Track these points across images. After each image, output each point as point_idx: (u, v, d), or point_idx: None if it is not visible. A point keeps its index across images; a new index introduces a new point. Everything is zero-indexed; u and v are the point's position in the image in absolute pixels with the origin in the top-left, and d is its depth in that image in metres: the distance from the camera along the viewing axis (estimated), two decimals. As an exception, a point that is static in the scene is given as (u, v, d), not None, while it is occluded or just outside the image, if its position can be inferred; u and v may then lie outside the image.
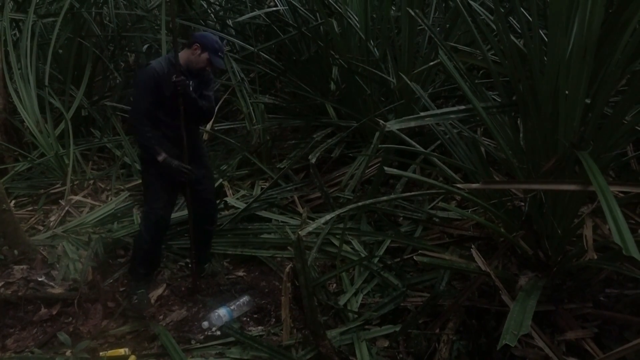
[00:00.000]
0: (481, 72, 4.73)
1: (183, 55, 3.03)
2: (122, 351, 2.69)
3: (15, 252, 3.43)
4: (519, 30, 3.28)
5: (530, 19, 2.44)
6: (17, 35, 5.69)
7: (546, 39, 2.43)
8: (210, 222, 3.33)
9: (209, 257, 3.45)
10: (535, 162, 2.46)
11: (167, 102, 2.95)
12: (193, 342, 2.82)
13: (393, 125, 2.45)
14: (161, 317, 3.06)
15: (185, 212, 3.32)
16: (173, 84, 2.90)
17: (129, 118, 3.06)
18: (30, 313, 3.07)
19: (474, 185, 2.17)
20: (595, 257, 2.05)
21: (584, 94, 2.17)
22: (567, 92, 2.18)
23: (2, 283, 3.21)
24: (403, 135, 2.98)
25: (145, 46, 6.83)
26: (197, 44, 2.98)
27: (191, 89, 2.99)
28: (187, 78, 2.97)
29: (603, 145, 2.25)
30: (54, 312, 3.07)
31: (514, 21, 3.55)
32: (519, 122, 2.91)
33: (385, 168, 2.51)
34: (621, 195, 2.44)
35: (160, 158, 2.95)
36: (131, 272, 3.20)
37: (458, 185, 2.25)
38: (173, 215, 3.88)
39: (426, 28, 3.33)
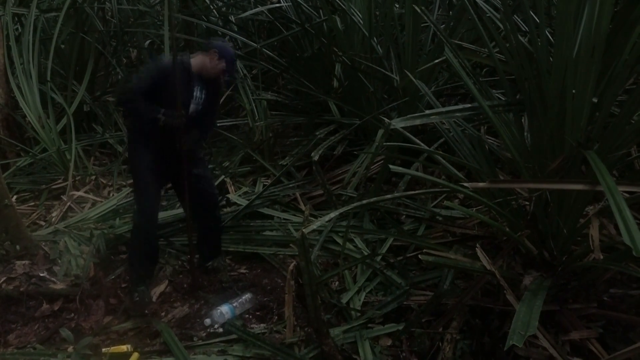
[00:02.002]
0: (485, 70, 4.72)
1: (198, 58, 3.02)
2: (124, 348, 2.68)
3: (17, 247, 3.43)
4: (525, 29, 3.27)
5: (537, 18, 2.43)
6: (20, 29, 5.67)
7: (552, 39, 2.42)
8: (213, 219, 3.31)
9: (216, 254, 3.44)
10: (541, 161, 2.44)
11: (166, 98, 2.92)
12: (195, 339, 2.81)
13: (398, 123, 2.43)
14: (163, 313, 3.05)
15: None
16: (171, 116, 2.88)
17: (123, 93, 3.03)
18: (32, 309, 3.06)
19: (480, 184, 2.16)
20: (602, 257, 2.04)
21: (591, 93, 2.16)
22: (574, 91, 2.16)
23: (4, 278, 3.21)
24: (407, 133, 2.97)
25: (148, 42, 6.81)
26: (216, 51, 2.96)
27: (198, 94, 3.01)
28: (196, 83, 2.99)
29: (610, 144, 2.24)
30: (56, 308, 3.07)
31: (519, 19, 3.53)
32: (523, 120, 2.90)
33: (390, 166, 2.50)
34: (626, 195, 2.43)
35: (161, 114, 2.89)
36: (129, 270, 3.19)
37: (464, 184, 2.23)
38: (175, 212, 3.89)
39: (431, 25, 3.31)
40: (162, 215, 3.54)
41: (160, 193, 3.28)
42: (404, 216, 3.71)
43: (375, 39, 4.52)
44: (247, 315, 3.00)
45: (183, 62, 2.97)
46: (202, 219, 3.25)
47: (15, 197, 4.40)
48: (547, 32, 2.43)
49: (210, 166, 4.57)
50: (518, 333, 1.79)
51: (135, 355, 2.57)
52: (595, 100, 2.19)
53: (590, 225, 2.16)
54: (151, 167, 3.03)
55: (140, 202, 3.07)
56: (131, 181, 4.61)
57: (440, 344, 2.49)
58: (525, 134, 2.71)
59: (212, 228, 3.36)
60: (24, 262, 3.36)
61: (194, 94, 3.03)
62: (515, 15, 3.52)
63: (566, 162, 2.23)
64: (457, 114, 2.63)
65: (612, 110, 2.46)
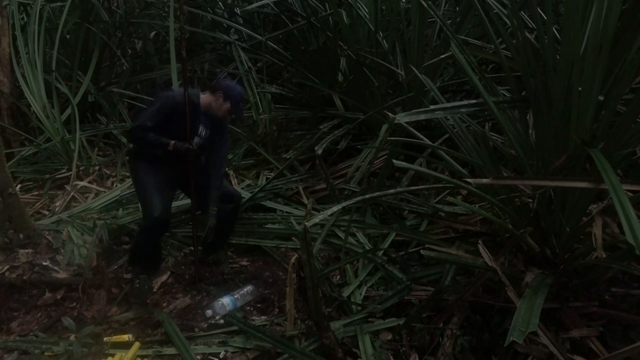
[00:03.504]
0: (490, 66, 4.70)
1: (205, 99, 3.06)
2: (125, 337, 2.70)
3: (21, 236, 3.44)
4: (531, 25, 3.25)
5: (544, 15, 2.42)
6: (25, 19, 5.67)
7: (559, 35, 2.40)
8: (233, 216, 3.34)
9: (221, 247, 3.44)
10: (545, 159, 2.44)
11: (175, 130, 2.97)
12: (196, 330, 2.82)
13: (402, 118, 2.43)
14: (165, 304, 3.06)
15: (188, 200, 3.30)
16: (184, 150, 2.95)
17: (134, 128, 3.04)
18: (34, 297, 3.08)
19: (484, 180, 2.15)
20: (604, 255, 2.03)
21: (597, 91, 2.14)
22: (580, 88, 2.15)
23: (7, 267, 3.22)
24: (411, 129, 2.97)
25: (153, 33, 6.80)
26: (221, 93, 3.00)
27: (202, 131, 3.05)
28: (202, 120, 3.03)
29: (615, 143, 2.23)
30: (59, 297, 3.08)
31: (525, 15, 3.51)
32: (528, 117, 2.89)
33: (394, 161, 2.49)
34: (629, 194, 2.42)
35: (170, 146, 2.96)
36: (131, 261, 3.19)
37: (467, 180, 2.23)
38: (178, 204, 3.89)
39: (438, 20, 3.30)
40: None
41: (172, 194, 3.25)
42: (407, 211, 3.72)
43: (381, 33, 4.51)
44: (248, 307, 3.02)
45: (192, 97, 2.98)
46: (223, 217, 3.23)
47: (19, 186, 4.41)
48: (554, 29, 2.41)
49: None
50: (518, 329, 1.79)
51: (137, 344, 2.58)
52: (601, 98, 2.18)
53: (593, 224, 2.16)
54: (156, 179, 3.04)
55: (149, 213, 2.98)
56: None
57: (441, 339, 2.49)
58: (530, 131, 2.70)
59: (229, 224, 3.36)
60: (27, 250, 3.38)
61: (199, 130, 3.07)
62: (522, 12, 3.51)
63: (570, 159, 2.22)
64: (462, 110, 2.62)
65: (618, 109, 2.45)
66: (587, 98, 2.15)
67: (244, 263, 3.48)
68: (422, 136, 2.97)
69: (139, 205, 3.24)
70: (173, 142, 2.97)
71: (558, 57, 2.30)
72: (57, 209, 4.00)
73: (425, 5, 3.12)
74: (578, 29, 2.12)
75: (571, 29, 2.12)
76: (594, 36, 2.06)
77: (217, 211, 3.12)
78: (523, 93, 2.62)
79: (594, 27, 2.07)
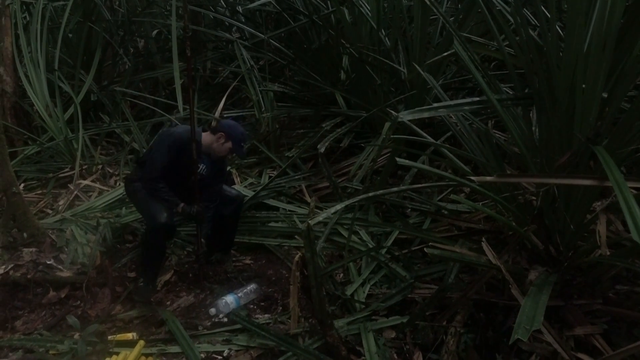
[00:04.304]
0: (493, 64, 4.69)
1: (206, 138, 3.09)
2: (130, 335, 2.71)
3: (25, 234, 3.45)
4: (534, 22, 3.24)
5: (547, 12, 2.40)
6: (28, 18, 5.67)
7: (562, 33, 2.40)
8: (236, 216, 3.38)
9: (228, 248, 3.46)
10: (548, 156, 2.43)
11: (182, 169, 3.01)
12: (200, 328, 2.83)
13: (406, 116, 2.42)
14: (168, 302, 3.07)
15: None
16: (193, 214, 3.03)
17: (146, 173, 3.05)
18: (39, 296, 3.09)
19: (488, 178, 2.15)
20: (608, 253, 2.03)
21: (601, 88, 2.14)
22: (584, 85, 2.14)
23: (12, 265, 3.23)
24: (414, 126, 2.96)
25: (155, 31, 6.80)
26: (223, 133, 3.03)
27: (202, 169, 3.09)
28: (203, 159, 3.08)
29: (619, 140, 2.22)
30: (63, 296, 3.09)
31: (528, 13, 3.49)
32: (532, 115, 2.88)
33: (397, 159, 2.49)
34: (634, 191, 2.41)
35: (179, 208, 3.02)
36: (143, 273, 3.15)
37: (471, 178, 2.22)
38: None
39: (440, 17, 3.29)
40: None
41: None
42: (410, 209, 3.72)
43: (383, 31, 4.50)
44: (251, 306, 3.02)
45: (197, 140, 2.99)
46: (225, 218, 3.29)
47: (22, 185, 4.42)
48: (557, 27, 2.40)
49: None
50: (523, 327, 1.79)
51: (141, 343, 2.59)
52: (605, 95, 2.17)
53: (597, 221, 2.15)
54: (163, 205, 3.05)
55: (155, 222, 2.97)
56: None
57: (444, 337, 2.50)
58: (534, 128, 2.70)
59: (232, 226, 3.39)
60: (31, 249, 3.39)
61: (200, 168, 3.08)
62: (525, 9, 3.50)
63: (574, 157, 2.21)
64: (466, 108, 2.61)
65: (622, 106, 2.44)
66: (591, 95, 2.14)
67: (247, 261, 3.48)
68: (425, 134, 2.97)
69: (144, 219, 3.26)
70: (182, 204, 3.01)
71: (562, 54, 2.29)
72: (60, 208, 4.01)
73: (428, 2, 3.11)
74: (582, 26, 2.11)
75: (575, 26, 2.11)
76: (597, 33, 2.05)
77: (214, 212, 3.20)
78: (526, 90, 2.61)
79: (597, 23, 2.06)
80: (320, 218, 2.41)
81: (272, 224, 3.74)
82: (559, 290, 2.45)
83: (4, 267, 3.21)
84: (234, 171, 4.44)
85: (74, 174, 4.48)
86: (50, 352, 2.60)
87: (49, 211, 4.04)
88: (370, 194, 2.73)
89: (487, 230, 3.13)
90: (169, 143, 2.99)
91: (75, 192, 4.25)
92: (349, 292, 2.96)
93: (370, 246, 3.30)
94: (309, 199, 3.97)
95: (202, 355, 2.58)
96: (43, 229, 3.54)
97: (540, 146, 2.55)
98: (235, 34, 6.34)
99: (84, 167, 4.68)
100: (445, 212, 3.51)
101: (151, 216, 3.00)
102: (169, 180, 3.03)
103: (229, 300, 2.93)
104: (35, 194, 4.33)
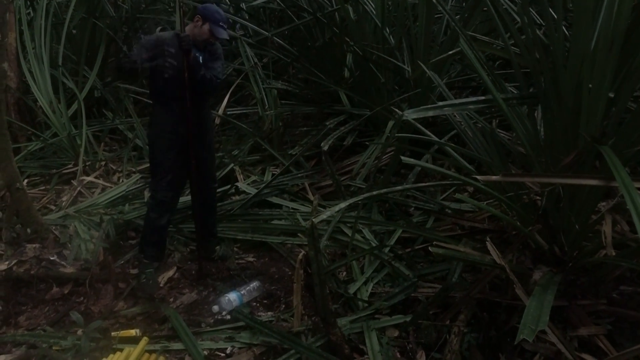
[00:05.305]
0: (497, 62, 4.67)
1: (188, 29, 3.05)
2: (133, 332, 2.71)
3: (28, 230, 3.46)
4: (539, 21, 3.23)
5: (553, 11, 2.39)
6: (32, 14, 5.68)
7: (567, 32, 2.38)
8: (209, 203, 3.36)
9: (211, 238, 3.44)
10: (554, 156, 2.42)
11: (171, 74, 2.94)
12: (203, 325, 2.83)
13: (411, 115, 2.41)
14: (171, 299, 3.07)
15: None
16: (179, 39, 2.90)
17: (122, 61, 2.96)
18: (42, 291, 3.09)
19: (493, 178, 2.14)
20: (614, 253, 2.02)
21: (608, 87, 2.12)
22: (590, 85, 2.13)
23: (15, 261, 3.24)
24: (418, 125, 2.95)
25: (159, 28, 6.78)
26: (198, 16, 3.00)
27: (200, 61, 3.00)
28: (197, 51, 2.99)
29: (626, 140, 2.21)
30: (66, 292, 3.10)
31: (534, 11, 3.48)
32: (537, 114, 2.87)
33: (402, 157, 2.48)
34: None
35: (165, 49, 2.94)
36: (141, 250, 3.24)
37: (475, 177, 2.22)
38: (182, 200, 3.89)
39: (446, 15, 3.27)
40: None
41: (182, 182, 3.27)
42: (413, 208, 3.71)
43: (387, 29, 4.49)
44: (254, 303, 3.02)
45: (178, 34, 2.96)
46: (198, 204, 3.25)
47: (26, 180, 4.43)
48: (563, 26, 2.39)
49: (219, 154, 4.57)
50: (528, 327, 1.78)
51: (145, 339, 2.59)
52: (611, 94, 2.16)
53: (602, 222, 2.14)
54: (169, 143, 3.06)
55: (157, 185, 3.08)
56: (141, 167, 4.67)
57: (447, 337, 2.49)
58: (539, 127, 2.69)
59: (207, 213, 3.36)
60: (34, 245, 3.39)
61: (200, 60, 3.02)
62: (531, 8, 3.48)
63: (580, 156, 2.20)
64: (471, 107, 2.61)
65: (629, 106, 2.43)
66: (598, 94, 2.13)
67: (250, 259, 3.48)
68: (429, 132, 2.96)
69: (150, 168, 3.24)
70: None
71: (567, 53, 2.28)
72: (63, 204, 4.02)
73: (433, 0, 3.10)
74: (589, 25, 2.10)
75: (582, 25, 2.11)
76: (605, 32, 2.04)
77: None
78: (531, 89, 2.60)
79: (605, 22, 2.05)
80: (324, 216, 2.40)
81: (275, 221, 3.74)
82: (562, 290, 2.44)
83: (7, 262, 3.22)
84: (237, 168, 4.44)
85: (77, 170, 4.49)
86: (54, 348, 2.60)
87: (53, 207, 4.05)
88: (374, 193, 2.73)
89: (491, 229, 3.12)
90: (148, 40, 2.96)
91: (79, 189, 4.26)
92: (352, 290, 2.96)
93: (374, 245, 3.29)
94: (312, 197, 3.97)
95: (205, 353, 2.58)
96: (46, 225, 3.55)
97: (546, 145, 2.54)
98: (239, 31, 6.33)
99: (87, 164, 4.69)
100: (449, 211, 3.50)
101: (154, 177, 3.12)
102: (165, 96, 3.03)
103: (232, 297, 2.92)
104: (39, 190, 4.34)
